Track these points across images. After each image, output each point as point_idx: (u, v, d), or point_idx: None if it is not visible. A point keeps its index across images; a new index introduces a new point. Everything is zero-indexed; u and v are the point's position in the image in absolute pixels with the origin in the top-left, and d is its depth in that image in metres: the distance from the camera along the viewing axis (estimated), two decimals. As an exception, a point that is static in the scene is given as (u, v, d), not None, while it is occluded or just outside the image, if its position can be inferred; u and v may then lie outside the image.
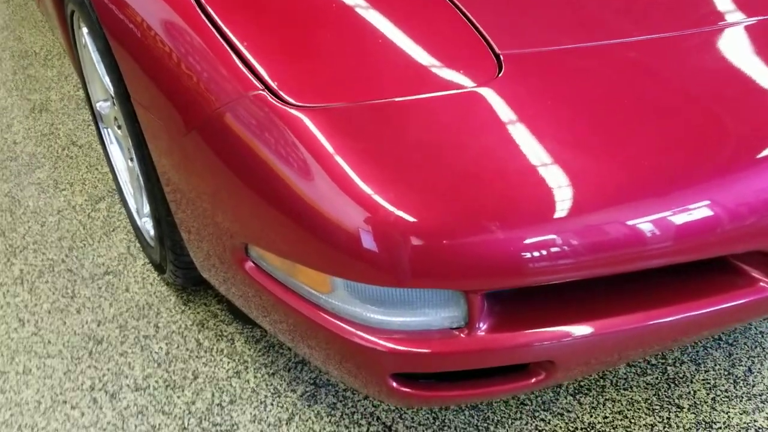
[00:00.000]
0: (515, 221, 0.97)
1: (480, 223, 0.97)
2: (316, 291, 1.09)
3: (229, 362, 1.51)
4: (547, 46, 1.14)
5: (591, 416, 1.40)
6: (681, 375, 1.47)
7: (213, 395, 1.44)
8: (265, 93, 1.05)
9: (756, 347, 1.52)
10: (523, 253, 0.98)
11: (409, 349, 1.06)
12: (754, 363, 1.49)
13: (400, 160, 1.00)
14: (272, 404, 1.42)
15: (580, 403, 1.42)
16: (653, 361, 1.49)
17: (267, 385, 1.46)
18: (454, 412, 1.40)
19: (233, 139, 1.06)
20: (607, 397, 1.43)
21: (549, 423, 1.38)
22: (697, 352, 1.51)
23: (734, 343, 1.53)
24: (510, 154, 1.02)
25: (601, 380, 1.46)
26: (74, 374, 1.50)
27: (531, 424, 1.38)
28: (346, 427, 1.38)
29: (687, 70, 1.12)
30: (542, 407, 1.41)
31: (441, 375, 1.15)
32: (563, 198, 0.99)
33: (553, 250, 0.99)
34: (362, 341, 1.07)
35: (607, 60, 1.13)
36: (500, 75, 1.10)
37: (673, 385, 1.45)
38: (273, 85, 1.06)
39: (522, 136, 1.04)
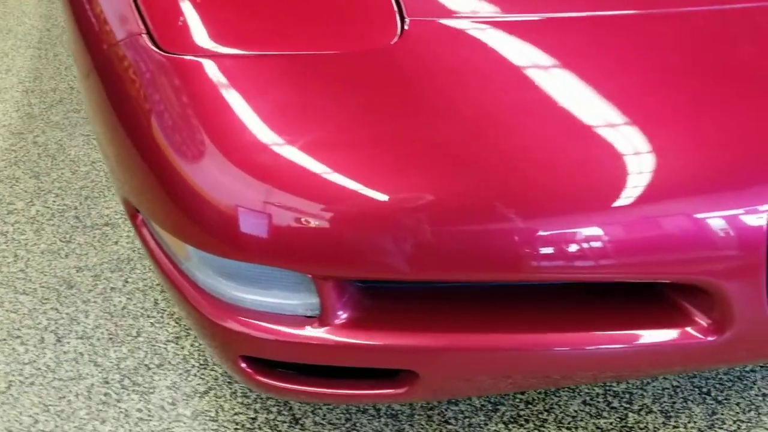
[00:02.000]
0: (353, 202, 0.86)
1: (314, 199, 0.87)
2: (178, 255, 1.04)
3: (174, 327, 1.49)
4: (463, 17, 1.00)
5: (519, 451, 1.23)
6: (643, 425, 1.26)
7: (145, 355, 1.43)
8: (144, 36, 1.01)
9: (749, 410, 1.27)
10: (356, 240, 0.86)
11: (255, 332, 0.98)
12: (739, 428, 1.24)
13: (254, 121, 0.92)
14: (195, 375, 1.39)
15: (511, 434, 1.25)
16: (614, 404, 1.29)
17: (199, 355, 1.43)
18: (369, 417, 1.29)
19: (111, 83, 1.03)
20: (544, 434, 1.25)
21: (466, 448, 1.24)
22: (673, 403, 1.29)
23: (724, 401, 1.29)
24: (371, 126, 0.91)
25: (545, 413, 1.28)
26: (37, 313, 1.55)
27: (445, 446, 1.24)
28: (255, 411, 1.31)
29: (607, 60, 0.94)
30: (465, 430, 1.26)
31: (306, 366, 1.05)
32: (416, 179, 0.87)
33: (396, 240, 0.87)
34: (211, 315, 1.00)
35: (529, 37, 0.97)
36: (395, 41, 0.98)
37: (628, 435, 1.24)
38: (153, 28, 1.01)
39: (391, 108, 0.92)
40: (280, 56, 0.99)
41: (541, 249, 0.85)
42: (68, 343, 1.47)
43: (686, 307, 0.97)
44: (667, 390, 1.31)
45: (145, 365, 1.41)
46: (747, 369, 1.34)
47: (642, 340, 0.95)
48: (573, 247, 0.86)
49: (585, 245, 0.86)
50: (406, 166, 0.89)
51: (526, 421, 1.27)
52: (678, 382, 1.32)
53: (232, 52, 0.98)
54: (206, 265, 1.00)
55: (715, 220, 0.89)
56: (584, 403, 1.30)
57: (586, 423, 1.26)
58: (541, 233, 0.86)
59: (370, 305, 0.99)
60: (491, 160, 0.89)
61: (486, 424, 1.27)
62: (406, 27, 0.99)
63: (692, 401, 1.29)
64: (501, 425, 1.27)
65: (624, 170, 0.89)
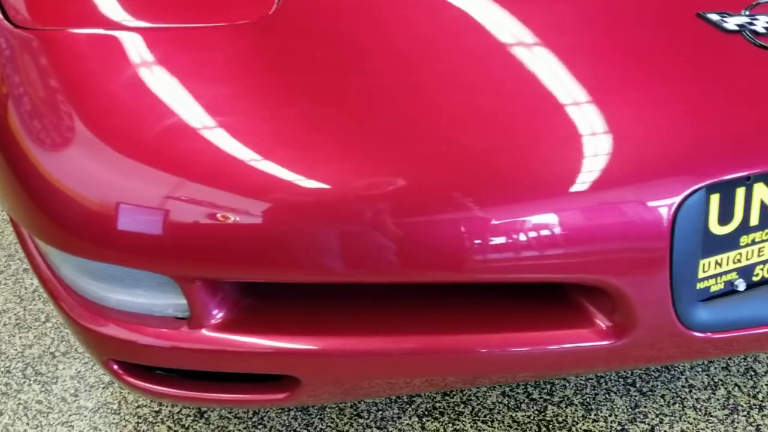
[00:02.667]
0: (196, 192, 0.78)
1: (158, 190, 0.79)
2: (43, 249, 0.96)
3: (85, 311, 1.42)
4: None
5: (430, 446, 1.18)
6: (561, 419, 1.20)
7: (52, 342, 1.37)
8: None
9: (675, 402, 1.21)
10: (203, 235, 0.79)
11: (121, 335, 0.91)
12: (662, 422, 1.19)
13: (105, 105, 0.84)
14: (101, 363, 1.32)
15: (423, 428, 1.20)
16: (534, 395, 1.23)
17: (107, 341, 1.36)
18: (278, 411, 1.23)
19: None
20: (458, 428, 1.19)
21: (376, 444, 1.18)
22: (596, 394, 1.23)
23: (649, 392, 1.23)
24: (227, 110, 0.83)
25: (462, 405, 1.22)
26: (-56, 296, 1.48)
27: (354, 441, 1.19)
28: (160, 404, 1.25)
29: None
30: (377, 424, 1.20)
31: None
32: (275, 171, 0.79)
33: (244, 236, 0.79)
34: (77, 316, 0.93)
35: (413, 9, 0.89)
36: (274, 9, 0.89)
37: (544, 429, 1.19)
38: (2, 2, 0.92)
39: (249, 88, 0.84)
40: (156, 30, 0.90)
41: (423, 248, 0.78)
42: (-27, 328, 1.41)
43: (589, 309, 0.90)
44: (590, 381, 1.25)
45: (51, 353, 1.35)
46: (676, 358, 1.28)
47: (539, 342, 0.89)
48: (451, 246, 0.79)
49: (463, 244, 0.79)
50: (300, 156, 0.81)
51: (441, 414, 1.21)
52: (606, 372, 1.27)
53: (86, 28, 0.89)
54: (67, 261, 0.92)
55: (611, 216, 0.81)
56: (503, 394, 1.24)
57: (503, 416, 1.21)
58: (421, 232, 0.79)
59: (249, 305, 0.92)
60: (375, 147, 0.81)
61: (399, 418, 1.21)
62: (281, -2, 0.91)
63: (615, 393, 1.23)
64: (415, 419, 1.21)
65: (514, 163, 0.81)
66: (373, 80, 0.86)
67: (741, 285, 0.91)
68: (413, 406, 1.23)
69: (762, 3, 0.89)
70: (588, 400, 1.23)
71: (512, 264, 0.81)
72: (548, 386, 1.25)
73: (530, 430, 1.19)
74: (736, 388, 1.23)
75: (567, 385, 1.25)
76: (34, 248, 1.00)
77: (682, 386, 1.24)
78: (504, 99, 0.82)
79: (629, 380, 1.25)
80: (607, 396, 1.23)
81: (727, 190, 0.84)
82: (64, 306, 0.94)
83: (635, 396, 1.23)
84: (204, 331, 0.89)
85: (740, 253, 0.89)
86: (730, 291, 0.91)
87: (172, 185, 0.77)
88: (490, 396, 1.24)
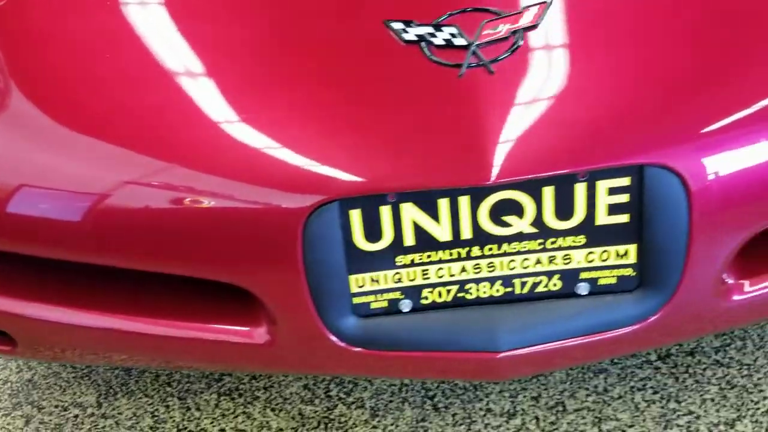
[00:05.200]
0: None
1: None
2: None
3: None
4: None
5: (213, 423, 1.22)
6: (344, 419, 1.20)
7: None
8: None
9: (462, 423, 1.16)
10: None
11: None
12: (440, 440, 1.15)
13: None
14: None
15: (218, 405, 1.25)
16: (333, 392, 1.24)
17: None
18: (105, 369, 1.34)
19: None
20: (248, 411, 1.23)
21: (169, 410, 1.25)
22: (390, 401, 1.21)
23: (443, 409, 1.19)
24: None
25: (262, 390, 1.26)
26: None
27: (152, 406, 1.26)
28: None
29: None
30: (180, 395, 1.27)
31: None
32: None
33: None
34: None
35: None
36: None
37: (322, 427, 1.19)
38: None
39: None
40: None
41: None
42: None
43: (258, 312, 0.91)
44: (392, 387, 1.23)
45: None
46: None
47: (200, 334, 0.92)
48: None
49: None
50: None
51: (240, 395, 1.26)
52: (411, 381, 1.24)
53: None
54: None
55: (240, 222, 0.82)
56: (305, 387, 1.25)
57: (293, 407, 1.23)
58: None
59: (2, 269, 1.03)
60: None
61: (202, 393, 1.27)
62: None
63: (411, 403, 1.21)
64: (214, 396, 1.26)
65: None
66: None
67: (405, 306, 0.87)
68: (219, 384, 1.28)
69: (455, 14, 0.84)
70: (380, 405, 1.21)
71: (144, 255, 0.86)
72: (350, 386, 1.25)
73: (310, 425, 1.20)
74: (534, 420, 1.16)
75: (368, 387, 1.24)
76: None
77: (480, 409, 1.18)
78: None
79: (430, 393, 1.22)
80: (400, 405, 1.21)
81: (368, 208, 0.82)
82: None
83: (428, 410, 1.20)
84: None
85: (399, 273, 0.85)
86: (397, 311, 0.88)
87: None
88: (293, 386, 1.26)
